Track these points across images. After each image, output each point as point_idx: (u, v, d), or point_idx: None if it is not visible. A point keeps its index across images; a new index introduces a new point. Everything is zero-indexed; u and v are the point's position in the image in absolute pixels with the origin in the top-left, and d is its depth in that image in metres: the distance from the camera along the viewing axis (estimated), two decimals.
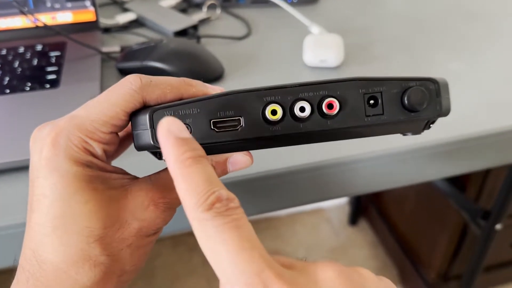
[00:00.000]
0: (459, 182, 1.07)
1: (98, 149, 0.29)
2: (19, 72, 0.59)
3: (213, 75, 0.60)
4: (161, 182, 0.31)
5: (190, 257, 1.54)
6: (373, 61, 0.66)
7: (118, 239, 0.29)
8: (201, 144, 0.28)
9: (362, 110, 0.29)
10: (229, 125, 0.29)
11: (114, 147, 0.31)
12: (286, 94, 0.28)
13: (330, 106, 0.29)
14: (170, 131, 0.25)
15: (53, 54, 0.63)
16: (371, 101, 0.29)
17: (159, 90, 0.29)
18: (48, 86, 0.56)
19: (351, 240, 1.63)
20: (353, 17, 0.80)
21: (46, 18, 0.68)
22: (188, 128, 0.28)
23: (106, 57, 0.64)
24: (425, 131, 0.33)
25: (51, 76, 0.58)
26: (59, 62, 0.61)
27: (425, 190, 1.23)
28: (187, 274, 1.49)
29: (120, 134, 0.33)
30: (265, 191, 0.48)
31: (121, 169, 0.32)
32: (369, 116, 0.29)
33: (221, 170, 0.32)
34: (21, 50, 0.64)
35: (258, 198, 0.49)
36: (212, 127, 0.28)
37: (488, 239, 1.01)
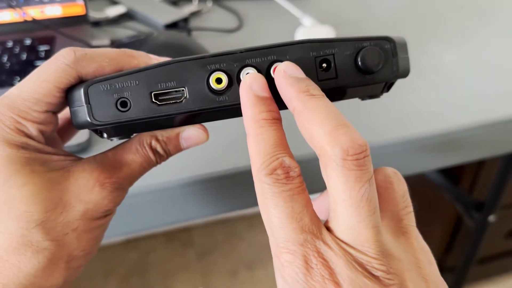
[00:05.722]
0: (452, 174, 1.07)
1: (32, 129, 0.28)
2: (7, 67, 0.58)
3: None
4: (108, 161, 0.30)
5: (184, 253, 1.54)
6: None
7: (62, 223, 0.27)
8: (142, 119, 0.27)
9: (314, 75, 0.27)
10: (171, 97, 0.27)
11: (51, 127, 0.29)
12: (231, 61, 0.27)
13: None
14: (252, 88, 0.26)
15: (42, 48, 0.62)
16: (324, 65, 0.27)
17: (95, 63, 0.28)
18: None
19: None
20: (345, 9, 0.79)
21: (35, 12, 0.67)
22: (127, 103, 0.26)
23: None
24: (385, 94, 0.32)
25: None
26: (48, 56, 0.60)
27: (418, 182, 1.23)
28: (181, 269, 1.49)
29: (66, 114, 0.32)
30: None
31: (63, 151, 0.30)
32: (322, 80, 0.27)
33: (174, 146, 0.31)
34: (10, 44, 0.63)
35: (252, 191, 0.48)
36: (153, 100, 0.26)
37: (482, 231, 1.01)
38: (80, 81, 0.28)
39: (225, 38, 0.70)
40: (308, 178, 0.50)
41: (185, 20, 0.73)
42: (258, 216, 1.68)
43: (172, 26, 0.72)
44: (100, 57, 0.28)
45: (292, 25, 0.69)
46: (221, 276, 1.48)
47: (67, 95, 0.28)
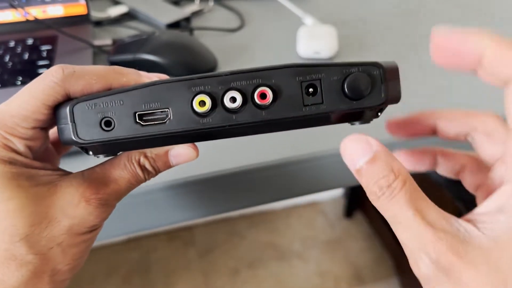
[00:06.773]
0: None
1: (20, 145, 0.28)
2: (10, 67, 0.58)
3: (206, 68, 0.60)
4: (95, 177, 0.30)
5: (185, 251, 1.54)
6: (367, 52, 0.65)
7: (46, 238, 0.27)
8: (126, 138, 0.27)
9: (299, 99, 0.27)
10: (155, 118, 0.27)
11: (39, 143, 0.29)
12: (216, 84, 0.26)
13: (263, 95, 0.26)
14: None
15: (44, 48, 0.62)
16: (310, 89, 0.27)
17: (83, 81, 0.28)
18: None
19: (346, 233, 1.63)
20: (347, 8, 0.79)
21: (37, 12, 0.67)
22: (111, 122, 0.26)
23: (98, 51, 0.63)
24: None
25: (43, 70, 0.57)
26: (50, 56, 0.61)
27: (419, 180, 1.22)
28: (183, 268, 1.49)
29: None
30: (260, 183, 0.48)
31: (51, 165, 0.31)
32: (307, 105, 0.27)
33: (163, 163, 0.31)
34: (12, 44, 0.63)
35: (252, 190, 0.48)
36: (137, 120, 0.26)
37: None
38: (69, 99, 0.28)
39: (227, 38, 0.70)
40: (314, 176, 0.50)
41: (187, 19, 0.73)
42: (259, 215, 1.68)
43: (174, 25, 0.72)
44: (88, 75, 0.28)
45: (294, 25, 0.69)
46: (222, 275, 1.48)
47: (55, 112, 0.28)
